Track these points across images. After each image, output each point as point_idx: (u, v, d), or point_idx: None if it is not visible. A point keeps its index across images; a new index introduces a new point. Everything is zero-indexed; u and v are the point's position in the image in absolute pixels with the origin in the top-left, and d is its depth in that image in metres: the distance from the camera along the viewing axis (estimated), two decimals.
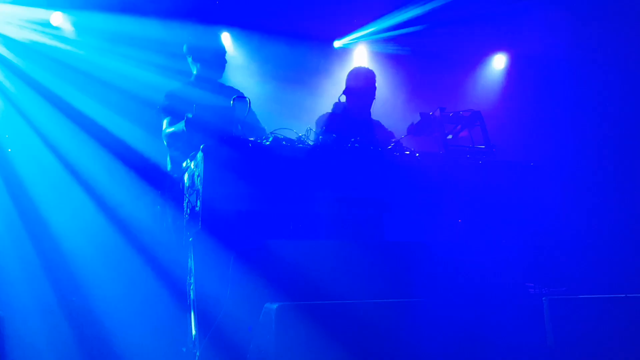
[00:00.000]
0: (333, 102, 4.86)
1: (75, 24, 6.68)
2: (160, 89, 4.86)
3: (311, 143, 3.83)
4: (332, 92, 6.79)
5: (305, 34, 7.17)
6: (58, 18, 6.64)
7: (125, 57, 6.69)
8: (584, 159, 6.97)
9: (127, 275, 5.77)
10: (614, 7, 6.56)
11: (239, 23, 7.07)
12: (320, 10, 7.04)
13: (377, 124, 4.82)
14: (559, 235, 6.06)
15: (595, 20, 6.70)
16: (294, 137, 3.83)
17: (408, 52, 7.41)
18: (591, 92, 6.88)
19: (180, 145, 4.23)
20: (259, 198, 3.66)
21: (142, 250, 5.92)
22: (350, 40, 7.39)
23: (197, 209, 3.54)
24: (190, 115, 3.84)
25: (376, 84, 4.80)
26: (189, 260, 3.64)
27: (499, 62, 7.74)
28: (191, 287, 3.57)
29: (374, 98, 4.79)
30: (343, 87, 4.85)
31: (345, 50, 7.44)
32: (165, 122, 4.40)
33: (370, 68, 4.96)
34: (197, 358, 3.38)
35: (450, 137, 4.19)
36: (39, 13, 6.48)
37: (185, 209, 3.83)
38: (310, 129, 3.91)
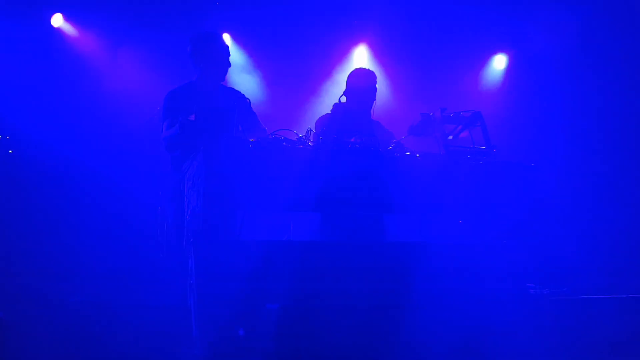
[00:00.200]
0: (333, 103, 4.86)
1: (77, 25, 6.70)
2: (161, 89, 4.85)
3: (311, 144, 3.83)
4: (332, 92, 6.80)
5: (306, 34, 7.18)
6: (58, 19, 6.65)
7: (127, 56, 6.72)
8: (583, 159, 6.97)
9: (127, 275, 5.78)
10: (614, 6, 6.56)
11: (239, 24, 7.08)
12: (320, 11, 7.05)
13: (378, 125, 4.83)
14: (560, 236, 6.07)
15: (595, 20, 6.71)
16: (294, 138, 3.83)
17: (408, 53, 7.42)
18: (591, 92, 6.88)
19: (177, 148, 4.23)
20: (259, 199, 3.66)
21: (142, 250, 5.93)
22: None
23: (198, 209, 3.54)
24: (184, 119, 3.84)
25: (377, 85, 4.80)
26: (190, 261, 3.64)
27: (499, 63, 7.74)
28: (192, 288, 3.57)
29: (375, 99, 4.79)
30: (343, 87, 4.85)
31: (346, 51, 7.44)
32: (164, 125, 4.40)
33: (371, 68, 4.95)
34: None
35: (450, 137, 4.19)
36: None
37: (185, 209, 3.83)
38: (311, 130, 3.90)
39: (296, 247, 3.66)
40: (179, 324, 3.85)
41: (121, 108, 6.53)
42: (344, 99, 4.75)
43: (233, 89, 4.71)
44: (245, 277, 3.37)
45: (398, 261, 3.68)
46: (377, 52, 7.44)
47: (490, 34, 7.43)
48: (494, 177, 4.00)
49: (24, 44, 6.33)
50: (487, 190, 3.94)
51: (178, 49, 6.40)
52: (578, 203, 6.83)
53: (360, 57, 7.43)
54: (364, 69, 4.90)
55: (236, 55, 6.94)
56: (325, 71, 7.29)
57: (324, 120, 4.69)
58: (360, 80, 4.74)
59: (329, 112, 4.83)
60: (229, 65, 4.55)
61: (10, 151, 6.13)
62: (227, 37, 7.05)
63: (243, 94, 4.58)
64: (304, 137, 3.84)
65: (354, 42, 7.45)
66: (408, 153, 3.95)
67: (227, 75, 4.63)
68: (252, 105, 4.51)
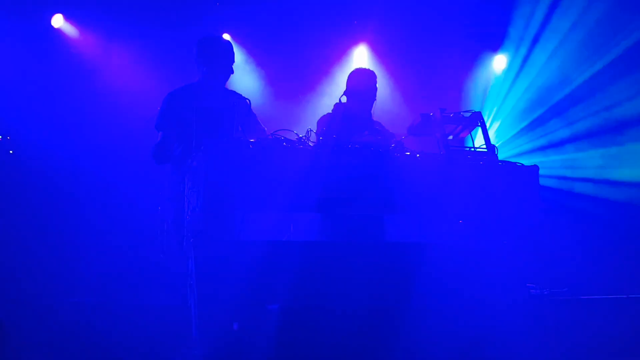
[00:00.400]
0: (333, 103, 4.86)
1: (79, 25, 6.70)
2: (162, 89, 4.86)
3: (311, 144, 3.83)
4: (332, 92, 6.81)
5: (306, 34, 7.18)
6: (59, 20, 6.64)
7: (127, 56, 6.72)
8: (583, 159, 6.97)
9: (127, 275, 5.78)
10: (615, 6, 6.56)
11: (239, 23, 7.08)
12: (320, 11, 7.05)
13: (378, 125, 4.83)
14: (560, 236, 6.07)
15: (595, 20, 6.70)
16: (294, 138, 3.83)
17: (408, 53, 7.42)
18: (591, 93, 6.88)
19: (160, 161, 4.42)
20: (259, 199, 3.67)
21: (142, 250, 5.93)
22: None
23: (198, 209, 3.54)
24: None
25: (377, 85, 4.81)
26: (190, 261, 3.64)
27: (499, 63, 7.74)
28: (192, 288, 3.57)
29: (375, 99, 4.80)
30: (343, 87, 4.85)
31: (346, 51, 7.44)
32: (159, 135, 4.44)
33: (370, 68, 4.96)
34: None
35: (450, 137, 4.19)
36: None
37: (185, 209, 3.83)
38: (311, 130, 3.91)
39: (296, 247, 3.66)
40: (179, 324, 3.85)
41: (121, 108, 6.53)
42: (344, 99, 4.75)
43: (233, 92, 4.72)
44: (245, 277, 3.37)
45: (398, 261, 3.67)
46: (377, 52, 7.44)
47: (491, 35, 7.43)
48: (494, 177, 3.99)
49: (24, 45, 6.32)
50: (487, 190, 3.94)
51: (178, 49, 6.43)
52: (578, 203, 6.83)
53: (360, 57, 7.43)
54: (364, 69, 4.91)
55: (237, 54, 6.94)
56: (325, 71, 7.29)
57: (325, 120, 4.69)
58: (361, 81, 4.75)
59: (329, 112, 4.83)
60: (232, 71, 4.59)
61: (10, 151, 6.13)
62: (227, 37, 7.05)
63: (243, 96, 4.58)
64: (304, 138, 3.84)
65: (354, 42, 7.45)
66: (408, 153, 3.95)
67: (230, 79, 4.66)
68: (252, 105, 4.52)
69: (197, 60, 4.52)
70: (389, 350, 3.38)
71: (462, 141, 4.34)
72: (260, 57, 7.18)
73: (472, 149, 4.09)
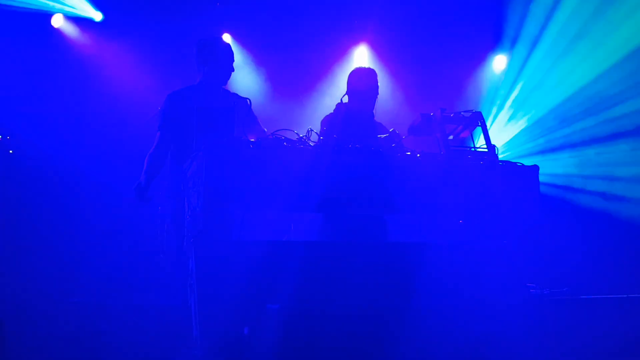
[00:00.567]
0: (333, 103, 4.85)
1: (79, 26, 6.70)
2: (162, 89, 4.86)
3: (312, 144, 3.83)
4: (332, 92, 6.81)
5: (306, 34, 7.18)
6: (59, 20, 6.65)
7: (127, 56, 6.72)
8: (583, 159, 6.97)
9: (127, 276, 5.78)
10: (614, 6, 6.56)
11: (239, 23, 7.08)
12: (321, 11, 7.05)
13: (380, 127, 4.81)
14: (560, 236, 6.07)
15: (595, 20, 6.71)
16: (294, 138, 3.83)
17: (408, 52, 7.42)
18: (590, 92, 6.88)
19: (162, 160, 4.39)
20: (259, 199, 3.66)
21: (142, 250, 5.93)
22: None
23: (198, 209, 3.54)
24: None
25: (378, 83, 4.80)
26: (190, 261, 3.64)
27: (499, 63, 7.75)
28: (192, 288, 3.57)
29: (377, 97, 4.78)
30: (343, 87, 4.84)
31: (346, 50, 7.44)
32: (156, 136, 4.44)
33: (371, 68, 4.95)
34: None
35: (451, 137, 4.18)
36: None
37: (186, 209, 3.83)
38: (311, 130, 3.90)
39: (296, 247, 3.66)
40: (179, 324, 3.85)
41: (120, 108, 6.53)
42: (346, 99, 4.74)
43: (236, 94, 4.73)
44: (245, 277, 3.37)
45: (398, 261, 3.67)
46: (378, 52, 7.44)
47: (491, 35, 7.43)
48: (494, 177, 3.99)
49: (24, 45, 6.32)
50: (488, 190, 3.93)
51: (179, 49, 6.43)
52: (578, 203, 6.83)
53: (361, 56, 7.43)
54: (364, 68, 4.88)
55: (237, 54, 6.94)
56: (326, 71, 7.29)
57: (328, 121, 4.69)
58: (361, 80, 4.73)
59: (329, 111, 4.83)
60: (232, 70, 4.59)
61: (10, 151, 6.13)
62: (227, 37, 7.05)
63: (243, 97, 4.58)
64: (304, 137, 3.84)
65: (354, 42, 7.45)
66: (408, 153, 3.95)
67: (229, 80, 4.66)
68: (252, 105, 4.52)
69: (197, 61, 4.53)
70: (389, 350, 3.38)
71: (463, 141, 4.34)
72: (260, 57, 7.19)
73: (473, 149, 4.09)
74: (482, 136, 4.13)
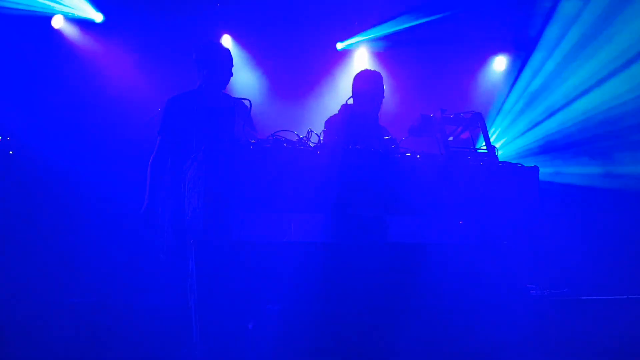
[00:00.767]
0: (332, 103, 4.85)
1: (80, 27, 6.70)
2: (162, 89, 4.86)
3: (312, 145, 3.84)
4: (332, 93, 6.81)
5: (307, 36, 7.18)
6: (59, 21, 6.65)
7: (127, 57, 6.72)
8: (583, 159, 6.98)
9: (127, 276, 5.78)
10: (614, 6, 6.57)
11: (239, 24, 7.08)
12: (321, 11, 7.05)
13: (385, 130, 4.81)
14: (560, 236, 6.07)
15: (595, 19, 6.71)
16: (294, 139, 3.83)
17: (408, 53, 7.42)
18: (590, 92, 6.88)
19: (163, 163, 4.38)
20: (260, 200, 3.67)
21: (142, 251, 5.93)
22: (352, 42, 7.41)
23: (199, 210, 3.54)
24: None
25: (383, 86, 4.79)
26: (190, 261, 3.64)
27: (499, 64, 7.75)
28: (192, 289, 3.58)
29: (382, 101, 4.77)
30: (343, 88, 4.84)
31: (346, 52, 7.44)
32: (157, 140, 4.43)
33: (370, 69, 4.95)
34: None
35: (451, 138, 4.19)
36: None
37: (186, 210, 3.83)
38: (311, 131, 3.90)
39: (297, 248, 3.66)
40: (180, 324, 3.85)
41: (120, 108, 6.53)
42: (351, 101, 4.74)
43: (236, 99, 4.73)
44: (245, 278, 3.38)
45: (398, 262, 3.68)
46: (378, 53, 7.44)
47: (491, 35, 7.43)
48: (494, 178, 4.00)
49: (24, 46, 6.32)
50: (488, 191, 3.94)
51: (179, 50, 6.43)
52: (578, 203, 6.83)
53: (361, 57, 7.43)
54: (370, 70, 4.86)
55: (237, 55, 6.95)
56: (326, 72, 7.29)
57: (332, 122, 4.68)
58: (367, 83, 4.71)
59: (336, 112, 4.82)
60: (231, 74, 4.59)
61: (10, 152, 6.13)
62: (227, 38, 7.06)
63: (243, 99, 4.58)
64: (304, 138, 3.84)
65: (356, 44, 7.46)
66: (409, 154, 3.95)
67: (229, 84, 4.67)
68: (252, 105, 4.52)
69: (197, 65, 4.53)
70: (390, 350, 3.38)
71: (463, 142, 4.34)
72: (260, 58, 7.19)
73: (473, 150, 4.10)
74: (482, 137, 4.14)
